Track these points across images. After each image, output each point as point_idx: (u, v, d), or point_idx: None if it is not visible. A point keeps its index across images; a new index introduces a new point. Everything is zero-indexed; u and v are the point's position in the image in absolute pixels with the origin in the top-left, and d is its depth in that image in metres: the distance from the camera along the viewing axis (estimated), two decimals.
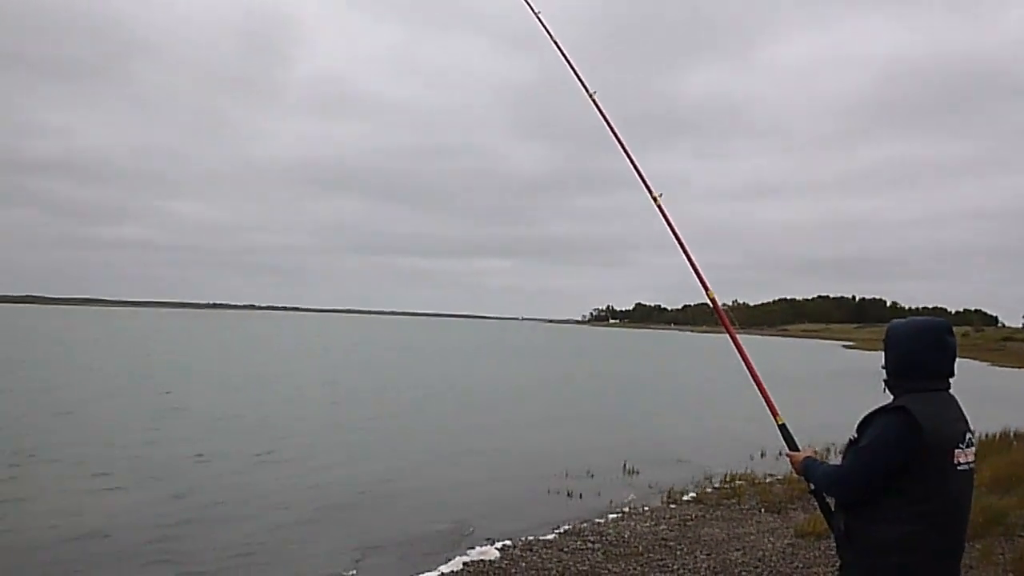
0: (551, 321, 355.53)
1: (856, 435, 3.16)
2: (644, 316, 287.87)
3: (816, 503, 3.55)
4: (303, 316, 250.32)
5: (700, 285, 4.43)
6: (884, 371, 3.23)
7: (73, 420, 17.51)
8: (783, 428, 3.78)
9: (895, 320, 3.33)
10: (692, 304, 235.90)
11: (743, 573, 7.53)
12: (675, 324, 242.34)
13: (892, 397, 3.16)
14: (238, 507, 10.47)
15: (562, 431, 19.06)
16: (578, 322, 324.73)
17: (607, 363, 52.82)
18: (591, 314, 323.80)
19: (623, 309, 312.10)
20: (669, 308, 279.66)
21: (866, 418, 3.15)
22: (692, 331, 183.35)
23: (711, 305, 4.44)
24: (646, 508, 10.78)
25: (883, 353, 3.24)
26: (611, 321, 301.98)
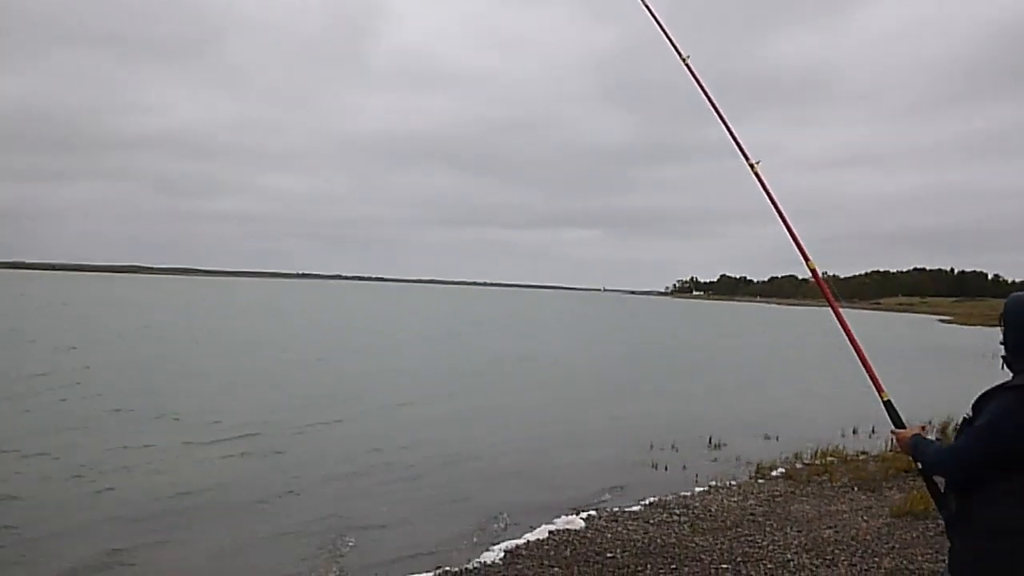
0: (634, 292, 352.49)
1: (972, 413, 3.00)
2: (729, 288, 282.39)
3: (923, 483, 3.39)
4: (388, 286, 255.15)
5: (800, 255, 4.26)
6: (1003, 347, 3.05)
7: (197, 384, 18.36)
8: (888, 404, 3.62)
9: (1015, 294, 3.13)
10: (779, 276, 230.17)
11: (836, 551, 7.34)
12: (761, 296, 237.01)
13: (1011, 375, 2.98)
14: (325, 469, 10.79)
15: (645, 403, 18.93)
16: (661, 293, 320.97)
17: (690, 335, 52.13)
18: (674, 285, 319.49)
19: (707, 281, 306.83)
20: (755, 280, 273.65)
21: (983, 396, 2.98)
22: (778, 304, 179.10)
23: (811, 277, 4.26)
24: (733, 483, 10.61)
25: (1000, 329, 3.05)
26: (695, 293, 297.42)
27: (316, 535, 8.02)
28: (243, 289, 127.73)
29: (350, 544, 7.75)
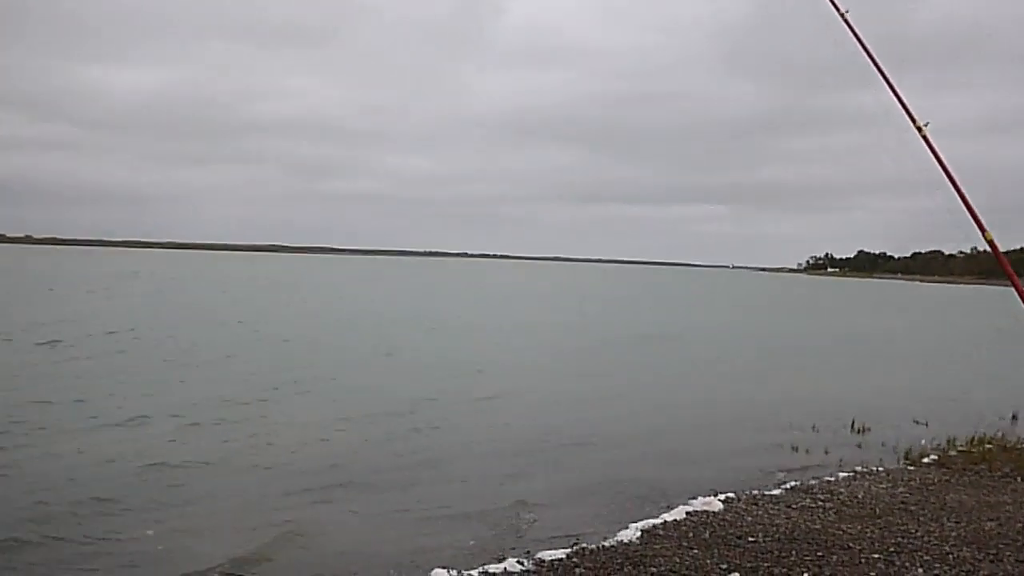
0: (764, 269, 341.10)
1: None
2: (866, 264, 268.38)
3: None
4: (513, 264, 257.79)
5: (975, 225, 3.93)
6: None
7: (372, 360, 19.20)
8: None
9: None
10: (922, 251, 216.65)
11: (1000, 546, 6.84)
12: (902, 274, 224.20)
13: None
14: (463, 445, 10.98)
15: (782, 382, 18.33)
16: (793, 270, 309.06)
17: (826, 313, 50.02)
18: (807, 262, 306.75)
19: (843, 257, 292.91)
20: (896, 256, 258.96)
21: None
22: (922, 281, 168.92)
23: (989, 248, 3.93)
24: (880, 469, 10.08)
25: None
26: (829, 270, 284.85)
27: (455, 515, 8.13)
28: (378, 267, 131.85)
29: (486, 522, 7.83)
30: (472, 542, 7.20)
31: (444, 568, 6.37)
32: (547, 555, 6.73)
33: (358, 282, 69.34)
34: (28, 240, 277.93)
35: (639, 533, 7.32)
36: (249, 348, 20.56)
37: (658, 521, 7.70)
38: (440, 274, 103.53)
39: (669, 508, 8.15)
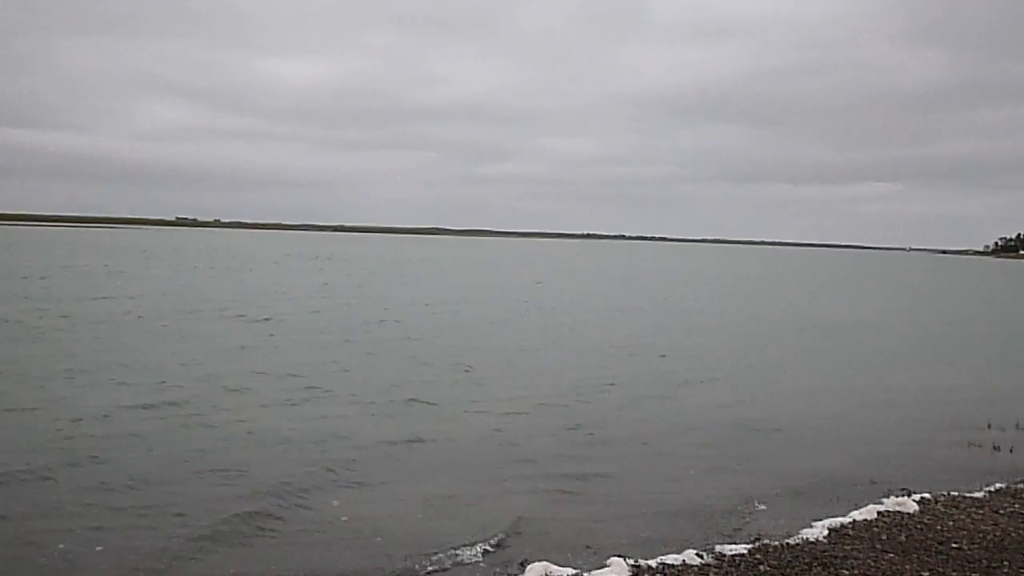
0: (944, 252, 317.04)
1: None
2: None
3: None
4: (672, 246, 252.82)
5: None
6: None
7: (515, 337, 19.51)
8: None
9: None
10: None
11: None
12: None
13: None
14: (640, 431, 10.75)
15: (977, 375, 16.86)
16: (980, 252, 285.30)
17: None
18: (996, 244, 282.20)
19: None
20: None
21: None
22: None
23: None
24: None
25: None
26: (1021, 252, 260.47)
27: (630, 502, 7.99)
28: (541, 249, 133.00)
29: (663, 511, 7.62)
30: (648, 532, 7.02)
31: (620, 556, 6.25)
32: (728, 549, 6.48)
33: (529, 265, 70.11)
34: (217, 224, 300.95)
35: (826, 532, 6.91)
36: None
37: (846, 520, 7.24)
38: (604, 257, 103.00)
39: (857, 507, 7.65)
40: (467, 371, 14.61)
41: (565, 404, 12.08)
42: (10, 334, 17.13)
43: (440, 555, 6.33)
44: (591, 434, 10.40)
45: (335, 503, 7.46)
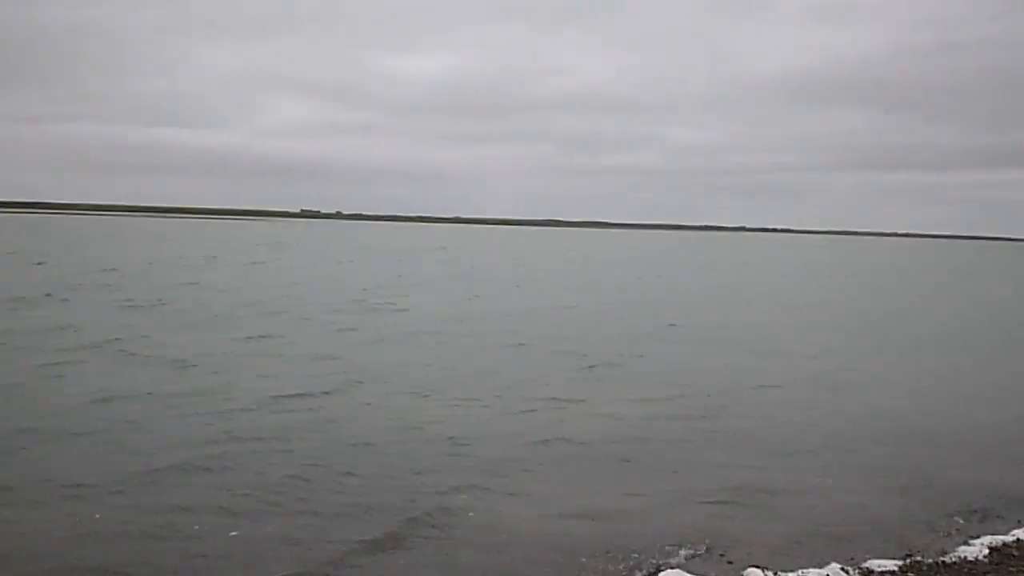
0: None
1: None
2: None
3: None
4: (797, 238, 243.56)
5: None
6: None
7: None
8: None
9: None
10: None
11: None
12: None
13: None
14: (775, 429, 10.27)
15: None
16: None
17: None
18: None
19: None
20: None
21: None
22: None
23: None
24: None
25: None
26: None
27: (763, 504, 7.63)
28: (664, 242, 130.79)
29: (800, 517, 7.23)
30: (786, 539, 6.66)
31: (758, 568, 5.94)
32: (875, 564, 6.06)
33: (665, 258, 69.14)
34: (338, 216, 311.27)
35: (986, 551, 6.36)
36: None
37: (1009, 539, 6.66)
38: (724, 250, 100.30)
39: (1020, 524, 7.03)
40: (592, 367, 14.33)
41: (716, 407, 11.49)
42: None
43: (578, 564, 6.15)
44: (737, 438, 9.88)
45: (476, 508, 7.29)
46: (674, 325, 20.69)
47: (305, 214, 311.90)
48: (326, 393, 11.28)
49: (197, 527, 6.51)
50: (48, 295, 21.96)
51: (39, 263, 34.37)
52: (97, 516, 6.64)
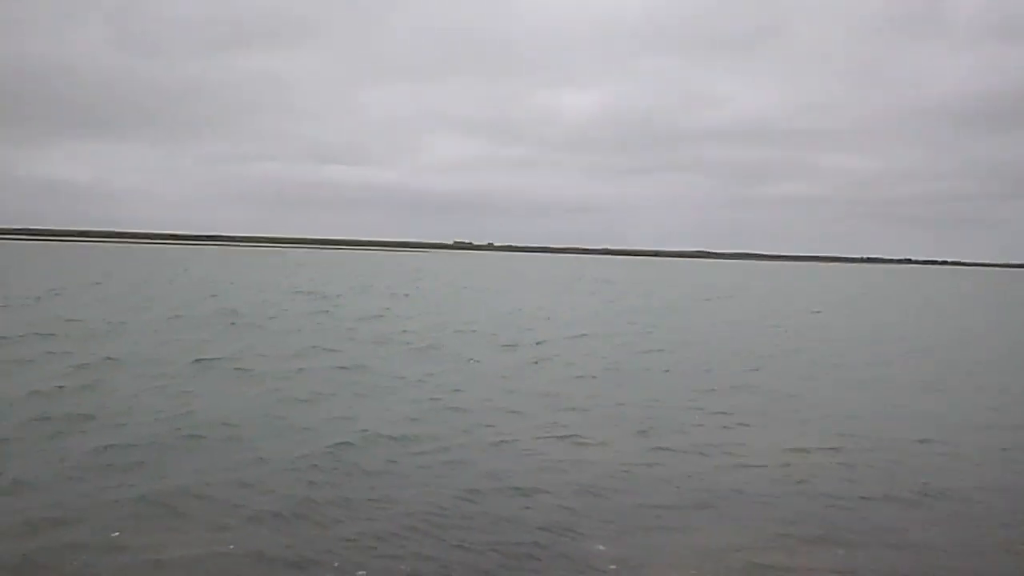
0: None
1: None
2: None
3: None
4: (969, 271, 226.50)
5: None
6: None
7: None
8: None
9: None
10: None
11: None
12: None
13: None
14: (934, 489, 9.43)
15: None
16: None
17: None
18: None
19: None
20: None
21: None
22: None
23: None
24: None
25: None
26: None
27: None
28: (818, 274, 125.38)
29: None
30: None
31: None
32: None
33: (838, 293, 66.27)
34: (490, 247, 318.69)
35: None
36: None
37: None
38: (892, 284, 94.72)
39: None
40: (745, 407, 13.78)
41: (882, 453, 10.72)
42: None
43: None
44: (898, 491, 9.11)
45: (600, 547, 7.21)
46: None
47: (458, 245, 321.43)
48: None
49: None
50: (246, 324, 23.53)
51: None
52: None
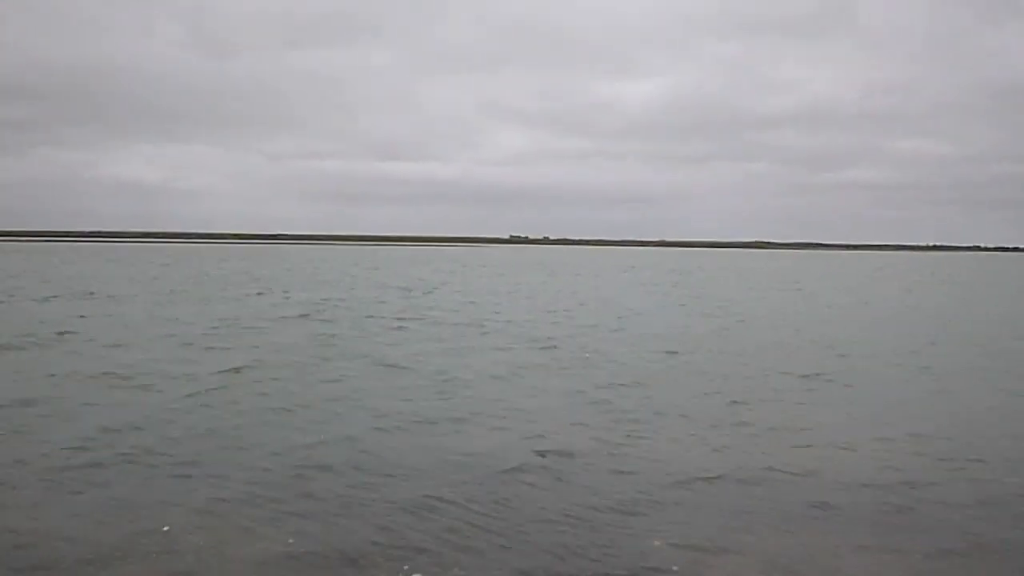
0: None
1: None
2: None
3: None
4: None
5: None
6: None
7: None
8: None
9: None
10: None
11: None
12: None
13: None
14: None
15: None
16: None
17: None
18: None
19: None
20: None
21: None
22: None
23: None
24: None
25: None
26: None
27: None
28: (886, 263, 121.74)
29: None
30: None
31: None
32: None
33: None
34: (545, 241, 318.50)
35: None
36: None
37: None
38: (945, 272, 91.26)
39: None
40: (811, 390, 13.03)
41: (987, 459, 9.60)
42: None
43: None
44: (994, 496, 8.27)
45: (656, 543, 6.65)
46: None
47: (513, 239, 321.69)
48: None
49: None
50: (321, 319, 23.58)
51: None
52: None
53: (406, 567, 6.12)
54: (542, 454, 9.24)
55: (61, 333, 19.17)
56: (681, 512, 7.48)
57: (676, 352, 17.92)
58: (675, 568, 6.23)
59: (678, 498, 7.84)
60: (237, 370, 14.28)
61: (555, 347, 18.41)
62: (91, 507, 7.29)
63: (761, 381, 14.42)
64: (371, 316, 25.05)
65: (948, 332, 23.71)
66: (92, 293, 32.83)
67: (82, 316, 23.37)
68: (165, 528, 6.76)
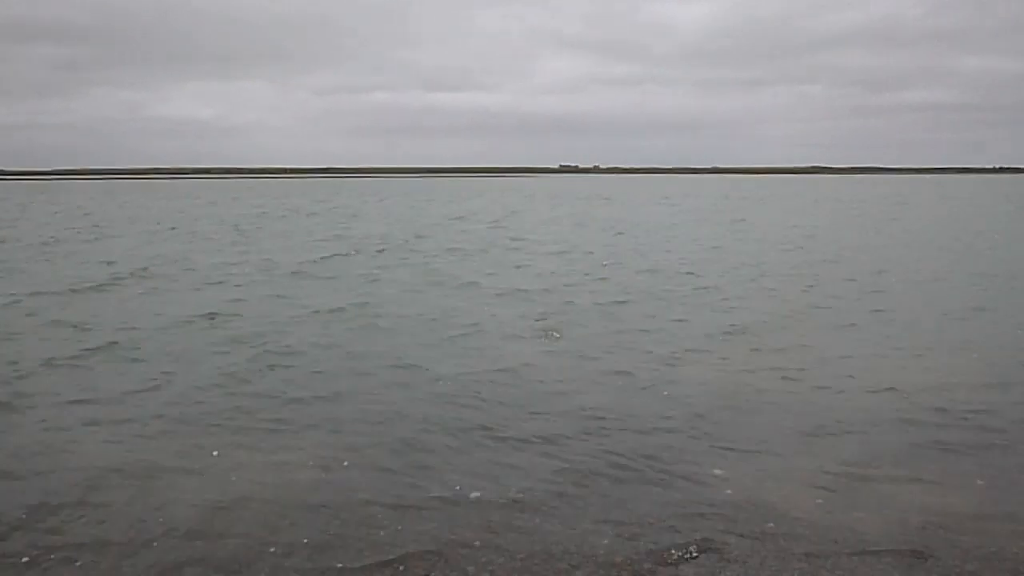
0: None
1: None
2: None
3: None
4: None
5: None
6: None
7: None
8: None
9: None
10: None
11: None
12: None
13: None
14: None
15: None
16: None
17: None
18: None
19: None
20: None
21: None
22: None
23: None
24: None
25: None
26: None
27: None
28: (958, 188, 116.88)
29: None
30: None
31: None
32: None
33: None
34: (596, 171, 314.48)
35: None
36: None
37: None
38: None
39: None
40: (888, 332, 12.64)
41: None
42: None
43: (841, 552, 5.14)
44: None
45: (716, 471, 6.54)
46: None
47: (564, 169, 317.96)
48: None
49: None
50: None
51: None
52: None
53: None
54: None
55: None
56: (736, 437, 7.36)
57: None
58: (728, 491, 6.12)
59: (734, 422, 7.72)
60: None
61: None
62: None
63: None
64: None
65: None
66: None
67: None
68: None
